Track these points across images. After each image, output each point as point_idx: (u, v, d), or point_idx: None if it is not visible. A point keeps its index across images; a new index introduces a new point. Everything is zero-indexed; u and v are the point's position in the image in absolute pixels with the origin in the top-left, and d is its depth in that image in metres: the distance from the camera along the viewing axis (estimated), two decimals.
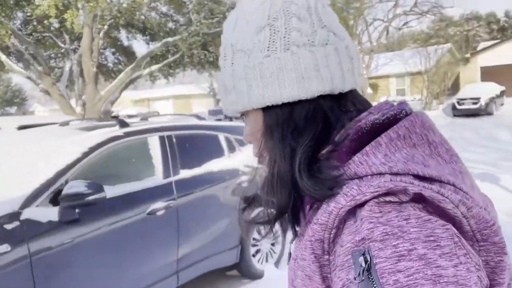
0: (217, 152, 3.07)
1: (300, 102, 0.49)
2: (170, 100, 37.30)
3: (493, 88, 16.59)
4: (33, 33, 12.90)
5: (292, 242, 0.59)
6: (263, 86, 0.49)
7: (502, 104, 16.99)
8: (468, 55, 21.16)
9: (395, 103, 0.53)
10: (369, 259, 0.38)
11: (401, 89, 24.47)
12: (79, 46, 13.94)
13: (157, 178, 2.61)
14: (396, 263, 0.36)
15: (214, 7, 10.99)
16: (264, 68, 0.49)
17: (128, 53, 16.66)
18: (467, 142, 11.42)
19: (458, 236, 0.39)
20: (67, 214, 2.06)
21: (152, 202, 2.46)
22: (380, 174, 0.43)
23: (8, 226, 1.89)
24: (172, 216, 2.59)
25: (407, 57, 24.81)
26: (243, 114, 0.54)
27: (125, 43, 16.66)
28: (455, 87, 20.75)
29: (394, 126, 0.47)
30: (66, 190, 2.05)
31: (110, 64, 17.59)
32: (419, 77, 22.74)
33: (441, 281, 0.34)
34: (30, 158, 2.26)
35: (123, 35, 15.96)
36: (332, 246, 0.43)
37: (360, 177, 0.45)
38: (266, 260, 3.32)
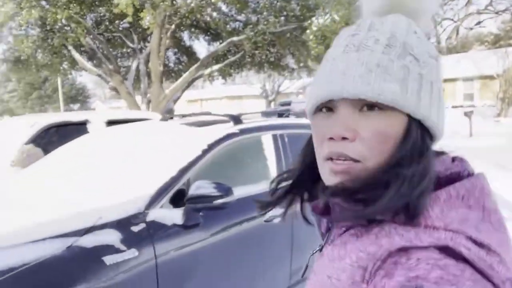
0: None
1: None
2: (222, 100, 37.82)
3: None
4: (104, 33, 13.45)
5: (313, 254, 0.65)
6: (430, 102, 0.52)
7: None
8: None
9: (453, 156, 0.55)
10: None
11: (469, 93, 22.81)
12: (145, 46, 14.37)
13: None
14: None
15: (284, 5, 10.75)
16: (434, 88, 0.53)
17: (189, 53, 16.95)
18: None
19: None
20: (191, 217, 1.85)
21: None
22: (434, 228, 0.46)
23: (135, 228, 1.70)
24: (287, 224, 2.33)
25: (477, 58, 23.07)
26: (373, 107, 0.51)
27: (187, 43, 16.99)
28: None
29: (456, 184, 0.49)
30: (192, 191, 1.83)
31: (171, 64, 18.00)
32: (490, 81, 21.03)
33: None
34: (149, 153, 2.09)
35: (185, 35, 16.27)
36: (373, 277, 0.44)
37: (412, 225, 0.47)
38: None
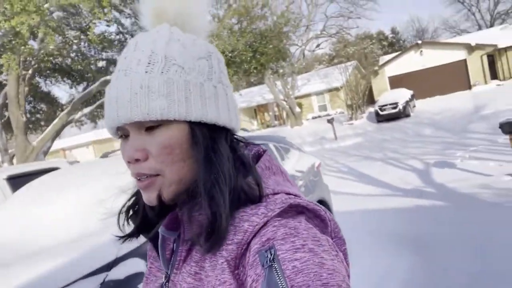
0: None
1: (216, 126, 0.58)
2: (90, 146, 34.86)
3: (405, 93, 18.83)
4: None
5: (164, 285, 0.61)
6: (202, 104, 0.55)
7: (414, 106, 19.30)
8: (376, 68, 23.72)
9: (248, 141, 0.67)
10: (273, 253, 0.47)
11: (322, 105, 26.33)
12: None
13: None
14: (294, 253, 0.46)
15: None
16: (205, 87, 0.56)
17: (49, 100, 15.42)
18: (402, 141, 12.71)
19: (331, 239, 0.52)
20: None
21: None
22: (267, 195, 0.55)
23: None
24: None
25: (322, 76, 26.99)
26: (156, 125, 0.55)
27: (45, 89, 15.42)
28: (369, 97, 23.02)
29: (261, 159, 0.62)
30: None
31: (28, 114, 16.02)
32: (337, 92, 24.80)
33: (324, 267, 0.45)
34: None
35: (41, 80, 14.77)
36: (241, 260, 0.51)
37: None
38: None
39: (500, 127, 5.90)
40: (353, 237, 4.05)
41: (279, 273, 0.45)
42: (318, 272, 0.44)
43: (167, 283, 0.59)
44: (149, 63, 0.54)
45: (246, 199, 0.54)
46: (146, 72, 0.54)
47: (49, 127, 11.29)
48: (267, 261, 0.46)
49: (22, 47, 7.46)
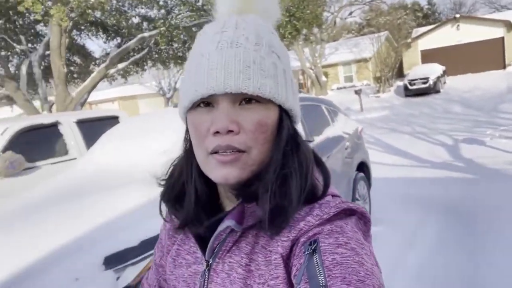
0: (324, 121, 3.35)
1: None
2: (115, 102, 35.66)
3: (437, 69, 18.43)
4: None
5: (205, 273, 0.59)
6: (293, 94, 0.58)
7: (445, 83, 18.94)
8: (409, 40, 23.10)
9: None
10: (316, 244, 0.49)
11: (348, 76, 26.01)
12: (33, 47, 13.05)
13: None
14: (336, 248, 0.48)
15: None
16: (293, 81, 0.60)
17: (85, 53, 15.81)
18: (430, 117, 12.69)
19: (372, 249, 0.53)
20: None
21: None
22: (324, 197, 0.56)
23: None
24: None
25: (350, 45, 26.45)
26: (251, 100, 0.54)
27: (80, 42, 15.79)
28: (398, 70, 22.61)
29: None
30: None
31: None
32: (364, 63, 24.39)
33: (363, 267, 0.46)
34: None
35: (77, 34, 15.11)
36: (290, 255, 0.52)
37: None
38: None
39: None
40: (385, 199, 4.37)
41: (318, 263, 0.47)
42: (357, 269, 0.46)
43: (208, 271, 0.59)
44: (257, 43, 0.55)
45: (310, 197, 0.55)
46: (255, 50, 0.54)
47: (88, 80, 11.75)
48: (309, 249, 0.49)
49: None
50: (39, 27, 13.65)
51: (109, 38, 14.98)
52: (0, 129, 3.77)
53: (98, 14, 12.10)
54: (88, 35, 14.66)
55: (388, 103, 17.24)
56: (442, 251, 3.16)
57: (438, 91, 17.48)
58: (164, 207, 0.66)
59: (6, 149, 3.62)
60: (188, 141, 0.62)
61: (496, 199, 4.26)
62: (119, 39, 15.01)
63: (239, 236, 0.56)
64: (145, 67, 15.12)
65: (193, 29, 11.42)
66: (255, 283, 0.53)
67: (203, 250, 0.60)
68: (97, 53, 15.56)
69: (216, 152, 0.53)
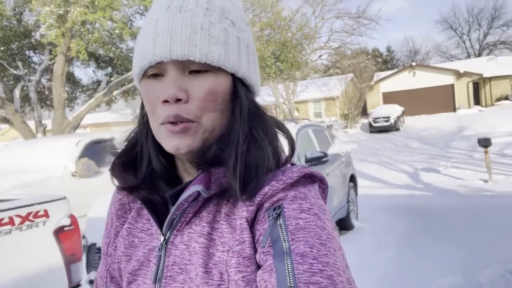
0: (328, 142, 4.61)
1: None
2: (87, 128, 35.73)
3: (397, 109, 20.66)
4: None
5: (160, 250, 0.56)
6: (248, 62, 0.57)
7: (404, 122, 21.16)
8: (372, 83, 25.60)
9: None
10: (280, 210, 0.50)
11: (317, 112, 28.05)
12: (30, 73, 13.78)
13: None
14: (299, 213, 0.50)
15: None
16: (250, 49, 0.58)
17: (74, 81, 16.56)
18: (393, 150, 14.43)
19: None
20: None
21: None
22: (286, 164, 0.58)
23: None
24: None
25: (320, 84, 28.77)
26: (202, 70, 0.52)
27: (70, 70, 16.57)
28: (362, 109, 24.86)
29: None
30: (309, 155, 3.39)
31: (46, 92, 17.14)
32: (332, 101, 26.56)
33: (325, 231, 0.48)
34: None
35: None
36: (254, 220, 0.52)
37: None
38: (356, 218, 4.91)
39: (478, 142, 7.60)
40: (366, 206, 5.62)
41: (282, 227, 0.48)
42: (319, 233, 0.47)
43: (165, 245, 0.56)
44: (207, 9, 0.53)
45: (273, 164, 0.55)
46: (205, 16, 0.53)
47: (85, 106, 12.52)
48: (273, 215, 0.50)
49: (90, 35, 8.78)
50: (36, 55, 14.37)
51: (99, 67, 15.92)
52: (74, 141, 4.75)
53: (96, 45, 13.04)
54: (80, 64, 15.51)
55: (355, 137, 19.04)
56: (408, 238, 4.40)
57: (398, 129, 19.58)
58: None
59: (81, 156, 4.59)
60: (145, 113, 0.59)
61: (447, 208, 5.63)
62: (109, 69, 16.01)
63: (199, 206, 0.55)
64: (136, 96, 16.03)
65: None
66: (218, 251, 0.52)
67: (159, 225, 0.57)
68: (84, 81, 16.31)
69: (166, 123, 0.52)
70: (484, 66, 25.33)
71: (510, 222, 4.43)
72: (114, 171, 0.60)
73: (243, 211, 0.52)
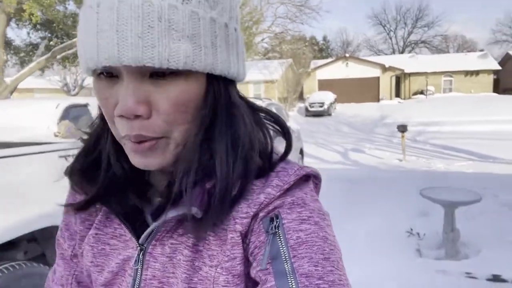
0: (286, 118, 5.52)
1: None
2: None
3: (330, 96, 22.44)
4: None
5: (139, 258, 0.49)
6: (228, 51, 0.45)
7: (335, 108, 23.07)
8: (309, 70, 27.22)
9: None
10: (278, 221, 0.44)
11: (257, 94, 29.10)
12: None
13: None
14: (299, 224, 0.44)
15: None
16: (229, 30, 0.45)
17: (6, 41, 15.42)
18: (326, 133, 15.96)
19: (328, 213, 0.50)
20: None
21: None
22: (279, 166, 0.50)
23: None
24: None
25: (261, 67, 29.77)
26: (167, 72, 0.41)
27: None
28: (299, 93, 26.45)
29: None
30: None
31: None
32: (271, 84, 27.77)
33: (327, 241, 0.44)
34: None
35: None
36: (247, 231, 0.46)
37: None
38: None
39: (397, 128, 9.08)
40: None
41: (282, 242, 0.43)
42: (322, 246, 0.43)
43: (142, 256, 0.49)
44: None
45: (258, 168, 0.47)
46: (175, 3, 0.39)
47: (26, 69, 11.98)
48: (272, 228, 0.44)
49: None
50: None
51: (36, 29, 15.08)
52: (53, 104, 5.10)
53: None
54: (15, 24, 14.52)
55: (293, 120, 20.44)
56: (341, 198, 5.51)
57: (330, 114, 21.38)
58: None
59: (61, 119, 4.97)
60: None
61: (371, 178, 6.92)
62: (45, 32, 15.25)
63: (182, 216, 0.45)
64: (76, 64, 15.47)
65: None
66: (205, 266, 0.46)
67: (134, 233, 0.50)
68: (16, 42, 15.39)
69: (128, 140, 0.43)
70: (406, 62, 28.33)
71: (414, 188, 5.75)
72: (72, 178, 0.52)
73: (235, 224, 0.46)
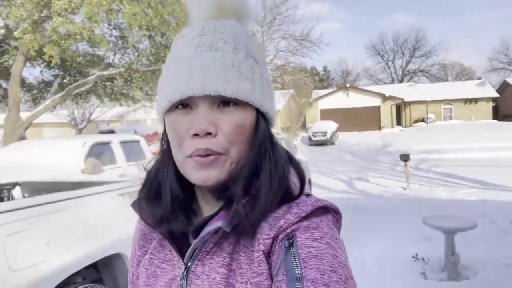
0: (294, 151, 5.90)
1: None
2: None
3: (332, 125, 22.94)
4: None
5: (184, 275, 0.58)
6: (269, 98, 0.61)
7: (338, 137, 23.53)
8: (311, 100, 27.94)
9: None
10: (293, 239, 0.52)
11: None
12: None
13: None
14: (311, 242, 0.51)
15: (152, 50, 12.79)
16: (270, 85, 0.63)
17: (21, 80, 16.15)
18: (329, 162, 16.30)
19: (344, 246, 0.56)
20: None
21: None
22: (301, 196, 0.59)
23: None
24: None
25: None
26: (229, 103, 0.56)
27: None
28: (302, 123, 27.02)
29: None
30: None
31: None
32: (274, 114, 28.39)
33: (337, 259, 0.50)
34: None
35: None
36: (270, 252, 0.54)
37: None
38: None
39: (399, 157, 9.44)
40: None
41: (295, 256, 0.50)
42: (330, 261, 0.49)
43: (186, 273, 0.58)
44: (235, 48, 0.57)
45: (287, 196, 0.58)
46: (233, 54, 0.57)
47: (41, 106, 12.55)
48: (286, 245, 0.52)
49: (63, 41, 9.22)
50: None
51: (48, 68, 15.80)
52: (80, 143, 5.52)
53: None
54: (31, 63, 15.27)
55: (300, 152, 20.85)
56: (347, 226, 5.79)
57: (333, 143, 21.81)
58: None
59: (87, 156, 5.37)
60: (165, 142, 0.62)
61: (376, 207, 7.21)
62: (56, 70, 15.97)
63: (220, 237, 0.56)
64: (88, 100, 16.11)
65: (148, 73, 13.27)
66: (237, 282, 0.54)
67: (180, 255, 0.60)
68: (29, 80, 16.14)
69: (195, 155, 0.55)
70: (405, 91, 29.09)
71: (418, 216, 6.05)
72: (139, 205, 0.63)
73: (259, 244, 0.54)
